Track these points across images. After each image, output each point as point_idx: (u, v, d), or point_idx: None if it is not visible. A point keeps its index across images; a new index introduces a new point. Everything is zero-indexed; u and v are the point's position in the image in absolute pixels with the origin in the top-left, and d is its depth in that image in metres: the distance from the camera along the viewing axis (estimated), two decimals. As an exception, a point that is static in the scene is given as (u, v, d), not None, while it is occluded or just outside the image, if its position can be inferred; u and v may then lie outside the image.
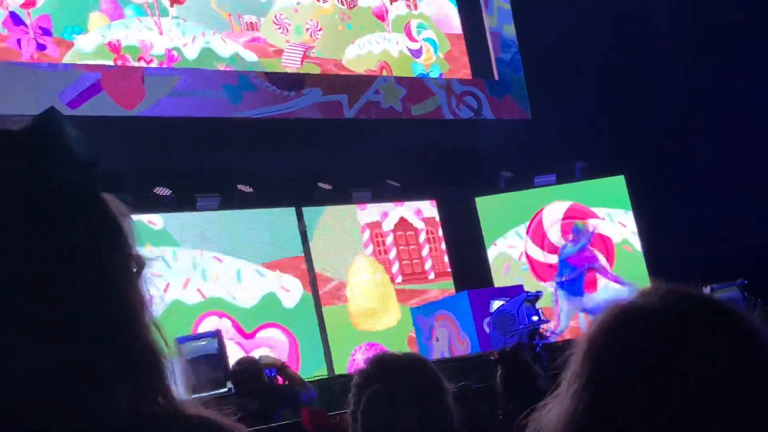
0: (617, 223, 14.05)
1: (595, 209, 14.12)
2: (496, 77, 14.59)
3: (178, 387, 1.17)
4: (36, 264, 1.04)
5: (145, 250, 1.18)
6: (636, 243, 13.94)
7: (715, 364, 1.03)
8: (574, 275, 12.26)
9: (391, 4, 13.97)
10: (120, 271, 1.12)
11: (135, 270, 1.15)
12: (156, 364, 1.12)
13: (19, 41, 10.64)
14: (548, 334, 9.95)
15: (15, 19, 10.63)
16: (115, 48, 11.39)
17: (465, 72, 14.54)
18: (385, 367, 2.32)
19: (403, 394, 2.21)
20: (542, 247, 14.18)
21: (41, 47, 10.80)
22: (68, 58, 10.99)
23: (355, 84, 13.16)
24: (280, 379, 6.75)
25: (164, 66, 11.72)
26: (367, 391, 2.26)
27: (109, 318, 1.08)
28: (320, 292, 12.39)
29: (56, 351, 1.03)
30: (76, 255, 1.08)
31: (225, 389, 7.18)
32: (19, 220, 1.05)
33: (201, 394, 6.96)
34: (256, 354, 8.71)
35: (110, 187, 1.18)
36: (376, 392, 2.23)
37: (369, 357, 2.43)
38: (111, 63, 11.28)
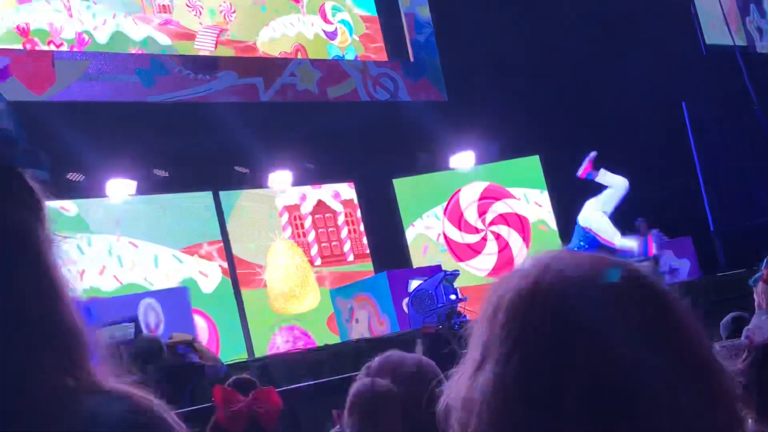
0: (533, 203, 14.24)
1: (511, 189, 14.28)
2: (412, 59, 14.62)
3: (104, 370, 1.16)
4: None
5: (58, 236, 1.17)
6: (551, 222, 14.14)
7: (637, 328, 1.05)
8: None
9: (305, -14, 13.91)
10: (43, 245, 1.11)
11: (52, 246, 1.14)
12: (75, 337, 1.11)
13: (-77, 25, 10.37)
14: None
15: None
16: (23, 31, 11.15)
17: (380, 54, 14.54)
18: (386, 364, 2.32)
19: (390, 387, 2.22)
20: (459, 228, 14.29)
21: (-53, 31, 10.55)
22: (-25, 43, 10.74)
23: (270, 67, 13.09)
24: (195, 357, 6.71)
25: (75, 50, 11.51)
26: (357, 383, 2.26)
27: (30, 290, 1.07)
28: (239, 276, 12.33)
29: None
30: (1, 228, 1.07)
31: (138, 375, 7.11)
32: None
33: (119, 380, 6.88)
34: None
35: (36, 164, 1.17)
36: (366, 383, 2.23)
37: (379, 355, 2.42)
38: (20, 47, 11.04)
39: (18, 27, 11.11)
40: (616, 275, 1.10)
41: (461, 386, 1.10)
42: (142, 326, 9.08)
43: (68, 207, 11.26)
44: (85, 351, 1.13)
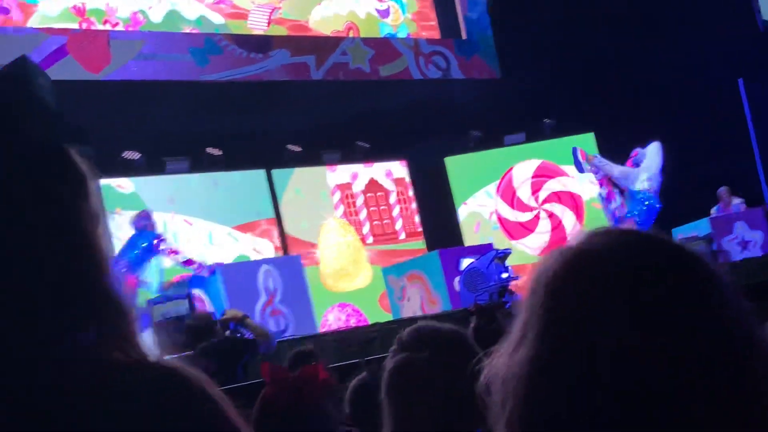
0: (586, 181, 14.11)
1: (564, 167, 14.17)
2: (464, 36, 14.55)
3: (148, 344, 1.17)
4: (3, 212, 1.06)
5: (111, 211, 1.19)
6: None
7: (672, 304, 1.04)
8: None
9: (358, -36, 13.88)
10: (85, 220, 1.13)
11: (99, 222, 1.16)
12: (121, 312, 1.13)
13: (-18, 6, 10.52)
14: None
15: (-23, -17, 10.51)
16: (79, 11, 11.27)
17: (433, 32, 14.49)
18: (420, 335, 2.28)
19: (431, 364, 2.18)
20: (512, 206, 14.23)
21: (5, 11, 10.68)
22: (33, 22, 10.88)
23: (322, 45, 13.10)
24: (247, 333, 6.76)
25: (130, 29, 11.61)
26: (395, 357, 2.22)
27: (75, 266, 1.09)
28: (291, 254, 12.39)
29: (21, 297, 1.04)
30: (43, 203, 1.09)
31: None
32: None
33: (171, 356, 6.98)
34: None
35: (78, 141, 1.19)
36: (404, 358, 2.20)
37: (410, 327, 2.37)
38: (76, 27, 11.16)
39: (74, 7, 11.23)
40: (657, 252, 1.10)
41: (501, 363, 1.11)
42: (261, 290, 9.49)
43: (124, 185, 11.39)
44: (132, 325, 1.14)
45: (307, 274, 11.78)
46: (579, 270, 1.08)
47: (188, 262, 9.94)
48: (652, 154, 11.49)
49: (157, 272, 9.91)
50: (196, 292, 9.88)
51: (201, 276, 9.81)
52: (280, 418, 2.43)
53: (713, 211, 12.61)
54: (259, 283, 9.60)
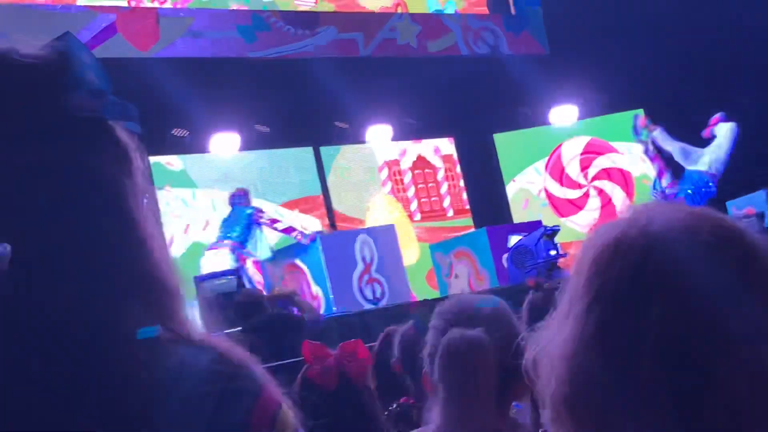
0: (637, 157, 13.98)
1: (614, 144, 14.06)
2: (513, 12, 14.44)
3: (196, 322, 1.17)
4: (44, 187, 1.06)
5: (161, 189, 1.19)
6: (656, 176, 13.87)
7: (725, 286, 1.03)
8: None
9: (405, -61, 13.80)
10: (129, 197, 1.13)
11: (143, 199, 1.16)
12: (166, 290, 1.13)
13: (33, -17, 10.60)
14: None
15: (28, -39, 10.59)
16: (129, -11, 11.33)
17: (481, 8, 14.39)
18: (464, 309, 2.28)
19: (481, 338, 2.17)
20: (561, 183, 14.15)
21: (55, -11, 10.76)
22: (83, 0, 10.94)
23: (370, 21, 13.06)
24: (295, 310, 6.80)
25: (178, 6, 11.66)
26: (447, 334, 2.20)
27: (116, 242, 1.09)
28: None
29: (64, 274, 1.04)
30: (86, 179, 1.09)
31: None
32: (28, 144, 1.06)
33: (219, 332, 7.03)
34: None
35: (124, 117, 1.19)
36: (458, 335, 2.18)
37: (450, 297, 2.37)
38: (125, 4, 11.23)
39: (123, -16, 11.30)
40: (706, 230, 1.08)
41: (548, 338, 1.11)
42: (358, 259, 9.74)
43: (173, 162, 11.47)
44: (176, 302, 1.14)
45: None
46: (624, 245, 1.07)
47: (288, 230, 10.17)
48: (722, 136, 11.20)
49: (264, 243, 10.13)
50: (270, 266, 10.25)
51: (302, 245, 10.00)
52: (323, 397, 2.42)
53: None
54: (356, 252, 9.87)
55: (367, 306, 9.54)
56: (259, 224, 10.05)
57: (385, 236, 10.38)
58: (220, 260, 9.77)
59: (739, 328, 1.00)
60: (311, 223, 12.21)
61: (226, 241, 9.82)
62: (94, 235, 1.07)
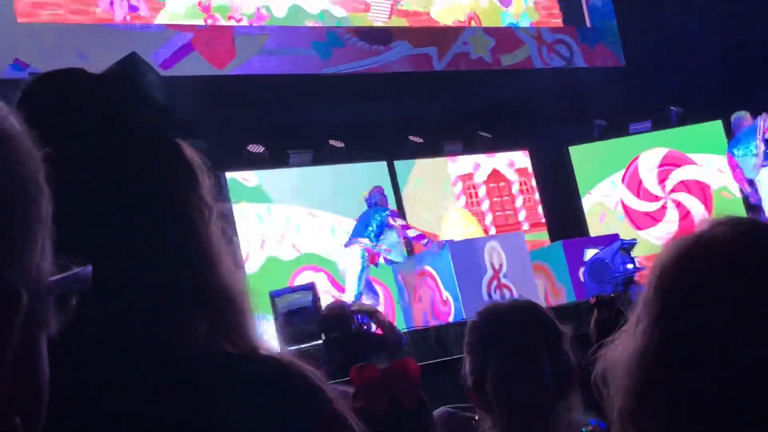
0: (715, 170, 13.77)
1: (692, 155, 13.86)
2: (588, 24, 14.35)
3: (271, 337, 1.18)
4: (112, 205, 1.08)
5: (228, 205, 1.20)
6: (734, 189, 13.63)
7: None
8: None
9: (478, -47, 13.80)
10: (195, 213, 1.14)
11: (209, 215, 1.17)
12: (233, 303, 1.14)
13: (111, 3, 10.81)
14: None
15: (107, -18, 10.82)
16: (205, 8, 11.50)
17: (556, 20, 14.32)
18: (502, 320, 2.22)
19: (533, 344, 2.13)
20: (638, 196, 13.98)
21: (133, 9, 10.96)
22: (160, 19, 11.14)
23: (443, 36, 13.08)
24: (373, 327, 6.78)
25: (254, 24, 11.80)
26: (493, 348, 2.15)
27: (184, 258, 1.10)
28: (413, 246, 12.42)
29: (135, 292, 1.06)
30: (152, 196, 1.11)
31: (320, 341, 7.26)
32: (97, 162, 1.08)
33: (296, 347, 7.07)
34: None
35: (190, 135, 1.20)
36: (507, 348, 2.13)
37: (478, 312, 2.30)
38: (202, 23, 11.40)
39: (200, 3, 11.46)
40: None
41: (617, 351, 1.10)
42: (487, 266, 9.98)
43: (249, 178, 11.58)
44: (243, 316, 1.15)
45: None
46: (692, 258, 1.07)
47: (419, 237, 10.39)
48: None
49: (398, 244, 10.36)
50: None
51: (430, 251, 10.28)
52: (376, 422, 2.38)
53: None
54: (485, 258, 10.06)
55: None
56: (392, 227, 10.23)
57: (513, 243, 10.63)
58: (351, 258, 10.05)
59: None
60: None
61: (361, 239, 9.97)
62: (160, 252, 1.09)
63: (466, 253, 10.07)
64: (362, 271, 10.05)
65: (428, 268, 10.25)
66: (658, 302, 1.06)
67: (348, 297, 9.77)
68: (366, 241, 10.01)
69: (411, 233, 10.41)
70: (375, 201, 10.35)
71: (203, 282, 1.11)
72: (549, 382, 2.11)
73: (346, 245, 10.26)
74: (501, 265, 10.13)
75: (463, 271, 9.85)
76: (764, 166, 10.92)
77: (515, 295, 9.91)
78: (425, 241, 10.33)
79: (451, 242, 10.53)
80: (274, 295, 8.73)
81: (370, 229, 10.07)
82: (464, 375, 2.22)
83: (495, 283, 10.05)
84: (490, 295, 9.81)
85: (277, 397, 1.07)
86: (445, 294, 9.96)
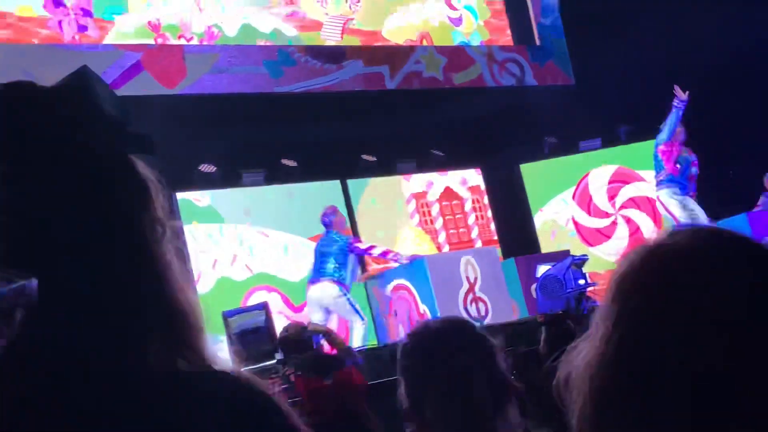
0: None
1: (641, 172, 14.00)
2: (538, 43, 14.47)
3: (224, 356, 1.17)
4: (61, 221, 1.06)
5: (179, 222, 1.19)
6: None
7: (747, 303, 1.02)
8: None
9: (429, -27, 13.88)
10: (148, 231, 1.13)
11: (162, 232, 1.15)
12: (185, 320, 1.12)
13: (60, 23, 10.73)
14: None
15: (55, 1, 10.73)
16: (155, 27, 11.44)
17: (506, 39, 14.43)
18: (436, 341, 2.18)
19: (468, 362, 2.11)
20: (589, 212, 14.10)
21: (82, 28, 10.89)
22: (109, 39, 11.07)
23: (396, 54, 13.12)
24: (328, 347, 6.78)
25: (204, 43, 11.76)
26: (429, 370, 2.13)
27: (135, 275, 1.09)
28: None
29: (84, 307, 1.04)
30: (104, 213, 1.09)
31: (274, 360, 7.23)
32: (48, 177, 1.07)
33: (250, 366, 7.02)
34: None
35: (143, 150, 1.19)
36: (444, 368, 2.11)
37: (410, 334, 2.26)
38: (152, 42, 11.33)
39: (149, 23, 11.41)
40: (734, 250, 1.07)
41: (578, 357, 1.11)
42: (463, 279, 10.12)
43: (200, 198, 11.52)
44: (197, 333, 1.14)
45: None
46: (651, 265, 1.08)
47: (385, 253, 10.51)
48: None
49: (352, 269, 10.39)
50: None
51: (406, 266, 10.38)
52: (324, 426, 2.38)
53: (760, 202, 11.96)
54: (461, 272, 10.20)
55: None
56: (356, 253, 10.31)
57: (487, 257, 10.79)
58: (329, 292, 10.01)
59: (763, 349, 0.99)
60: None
61: (325, 278, 9.98)
62: (110, 269, 1.07)
63: (442, 267, 10.25)
64: (349, 299, 10.05)
65: (404, 281, 10.35)
66: (618, 309, 1.07)
67: (359, 328, 9.94)
68: (330, 279, 9.99)
69: (376, 252, 10.51)
70: (330, 221, 10.32)
71: (155, 299, 1.10)
72: (486, 398, 2.10)
73: (312, 281, 10.17)
74: (476, 279, 10.28)
75: (440, 285, 10.00)
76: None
77: (489, 307, 10.12)
78: (391, 255, 10.46)
79: (428, 256, 10.78)
80: (227, 316, 8.68)
81: (332, 266, 10.01)
82: (400, 397, 2.19)
83: (471, 296, 10.17)
84: (466, 308, 9.96)
85: (234, 413, 1.06)
86: (423, 307, 10.05)
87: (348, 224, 10.90)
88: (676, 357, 1.00)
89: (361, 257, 11.19)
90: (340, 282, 9.98)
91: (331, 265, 10.01)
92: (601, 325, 1.08)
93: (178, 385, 1.07)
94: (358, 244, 10.38)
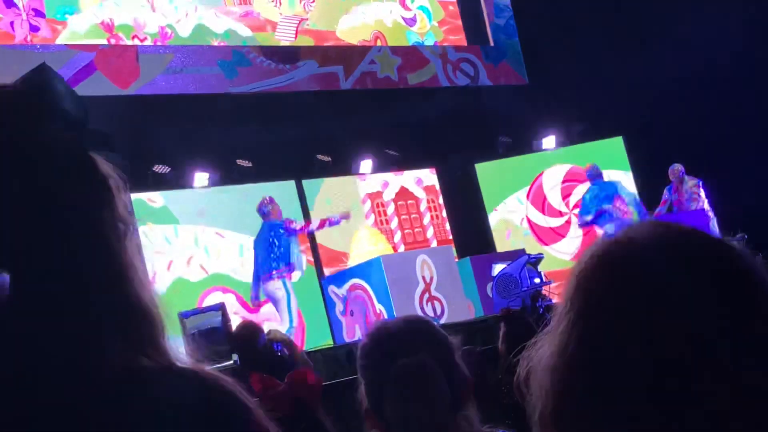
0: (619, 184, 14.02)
1: (594, 171, 14.08)
2: (491, 43, 14.53)
3: (182, 354, 1.16)
4: (21, 220, 1.05)
5: (140, 222, 1.18)
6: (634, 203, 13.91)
7: (706, 296, 1.03)
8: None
9: (383, -27, 13.90)
10: (108, 228, 1.12)
11: (124, 230, 1.15)
12: (146, 318, 1.12)
13: (12, 24, 10.61)
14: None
15: (7, 1, 10.60)
16: (108, 27, 11.35)
17: (460, 39, 14.48)
18: (395, 340, 2.17)
19: (428, 361, 2.10)
20: (543, 211, 14.18)
21: (35, 29, 10.78)
22: (62, 39, 10.96)
23: (350, 55, 13.12)
24: (287, 354, 6.77)
25: (158, 44, 11.68)
26: (388, 369, 2.10)
27: (95, 272, 1.08)
28: (323, 264, 12.42)
29: (44, 306, 1.04)
30: (65, 211, 1.08)
31: (230, 362, 7.20)
32: (5, 175, 1.06)
33: (208, 366, 6.99)
34: (265, 328, 8.76)
35: (103, 145, 1.18)
36: (403, 368, 2.09)
37: (369, 334, 2.23)
38: (105, 42, 11.24)
39: (102, 22, 11.31)
40: (691, 243, 1.09)
41: (538, 354, 1.12)
42: (419, 278, 10.12)
43: (155, 198, 11.45)
44: (158, 330, 1.13)
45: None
46: (610, 259, 1.09)
47: (322, 224, 10.58)
48: None
49: (297, 252, 10.37)
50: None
51: (362, 265, 10.49)
52: (281, 423, 2.37)
53: (665, 193, 12.42)
54: (417, 271, 10.21)
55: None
56: (293, 233, 10.23)
57: (443, 256, 10.74)
58: (274, 288, 10.03)
59: (721, 341, 1.01)
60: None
61: (274, 273, 9.97)
62: (71, 266, 1.06)
63: (398, 267, 10.23)
64: (289, 299, 10.00)
65: (360, 281, 10.36)
66: (577, 303, 1.08)
67: (283, 329, 9.75)
68: (276, 273, 9.97)
69: (313, 227, 10.58)
70: (266, 211, 10.29)
71: (116, 297, 1.09)
72: (446, 397, 2.11)
73: (263, 281, 10.16)
74: (432, 278, 10.28)
75: (396, 284, 10.00)
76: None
77: (445, 307, 10.11)
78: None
79: (384, 256, 10.71)
80: (183, 316, 8.64)
81: (273, 255, 10.00)
82: (360, 397, 2.18)
83: (427, 295, 10.17)
84: (422, 307, 9.95)
85: (199, 409, 1.06)
86: (379, 307, 10.05)
87: (285, 216, 10.80)
88: (637, 349, 1.01)
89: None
90: (288, 271, 10.00)
91: (275, 260, 9.99)
92: (562, 320, 1.09)
93: (142, 382, 1.06)
94: (294, 225, 10.31)
